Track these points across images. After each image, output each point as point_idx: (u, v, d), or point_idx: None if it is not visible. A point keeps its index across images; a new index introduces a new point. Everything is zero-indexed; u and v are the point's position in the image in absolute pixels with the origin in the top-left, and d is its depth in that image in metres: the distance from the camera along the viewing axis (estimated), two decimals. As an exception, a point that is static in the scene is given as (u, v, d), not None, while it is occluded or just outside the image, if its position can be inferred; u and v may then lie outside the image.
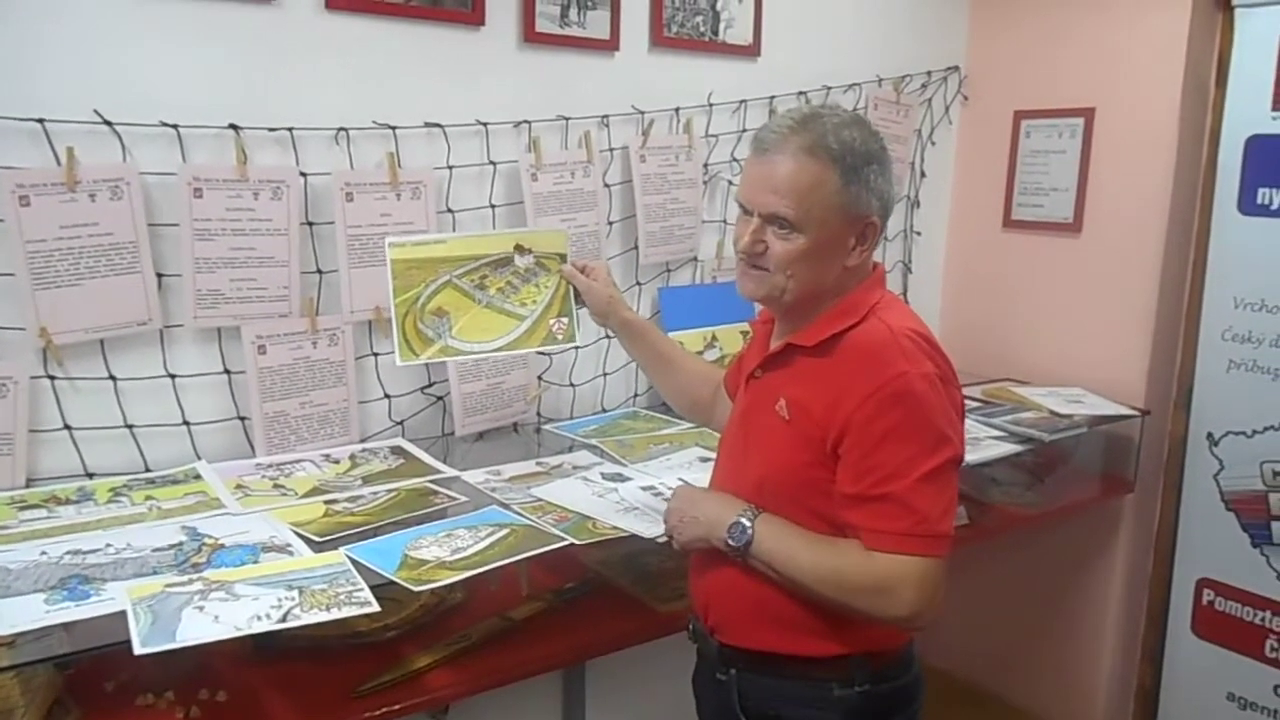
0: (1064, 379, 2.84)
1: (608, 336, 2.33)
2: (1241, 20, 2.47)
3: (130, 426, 1.83)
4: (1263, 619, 2.54)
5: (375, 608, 1.35)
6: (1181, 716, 2.74)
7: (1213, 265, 2.57)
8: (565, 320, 1.84)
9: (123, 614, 1.27)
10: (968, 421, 2.39)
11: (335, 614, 1.32)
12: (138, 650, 1.20)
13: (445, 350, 1.78)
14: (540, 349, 1.89)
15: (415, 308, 1.76)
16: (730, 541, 1.40)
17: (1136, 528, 2.82)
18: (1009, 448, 2.31)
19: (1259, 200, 2.46)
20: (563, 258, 1.87)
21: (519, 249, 1.83)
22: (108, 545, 1.49)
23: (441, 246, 1.80)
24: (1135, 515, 2.81)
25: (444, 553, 1.53)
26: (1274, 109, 2.42)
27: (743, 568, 1.42)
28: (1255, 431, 2.51)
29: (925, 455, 1.29)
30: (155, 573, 1.41)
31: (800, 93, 2.65)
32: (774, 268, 1.38)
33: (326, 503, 1.74)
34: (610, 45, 2.31)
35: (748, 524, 1.39)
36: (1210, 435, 2.60)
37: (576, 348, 2.33)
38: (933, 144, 3.06)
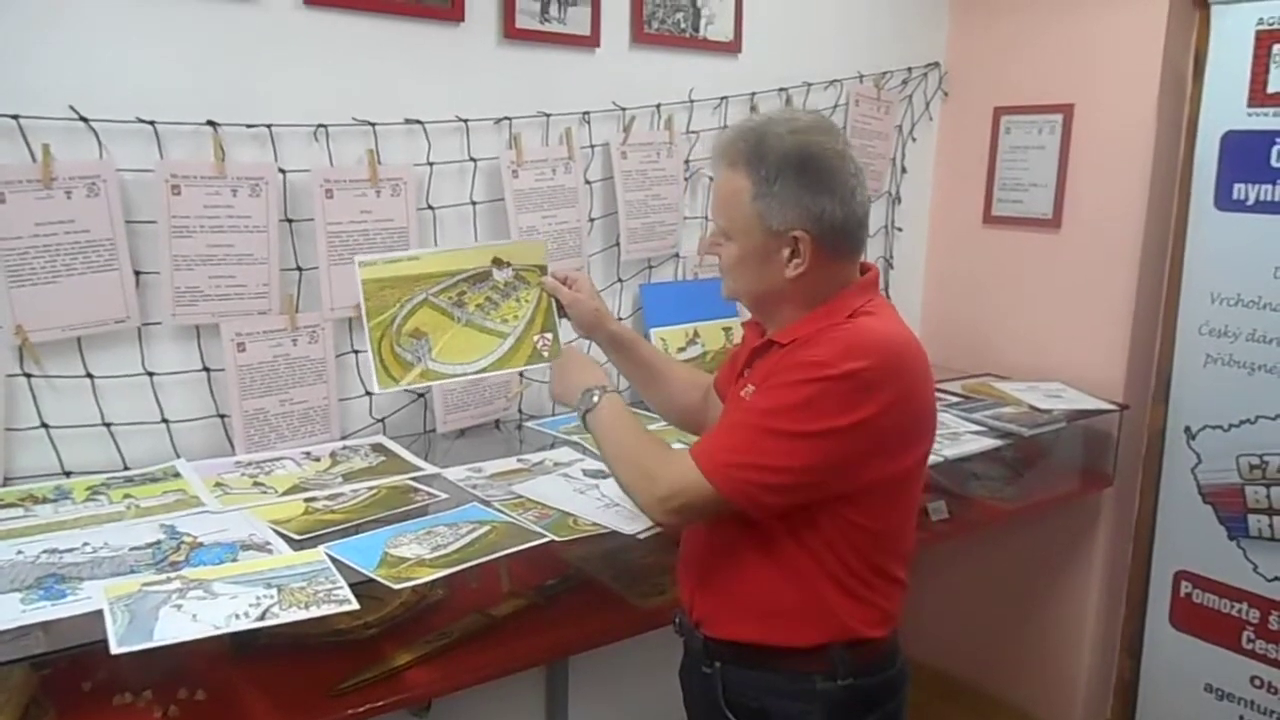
0: (1043, 374, 2.86)
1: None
2: (1218, 17, 2.49)
3: (108, 425, 1.82)
4: (1239, 611, 2.56)
5: (354, 605, 1.34)
6: (1160, 707, 2.76)
7: (1190, 260, 2.59)
8: (550, 336, 1.77)
9: (100, 613, 1.26)
10: (948, 415, 2.44)
11: (314, 612, 1.31)
12: (114, 649, 1.19)
13: (426, 374, 1.70)
14: (526, 367, 1.80)
15: (391, 330, 1.68)
16: (579, 405, 1.52)
17: (1115, 521, 2.84)
18: (989, 442, 2.33)
19: (1235, 196, 2.48)
20: (542, 269, 1.80)
21: (497, 262, 1.77)
22: (85, 544, 1.48)
23: (415, 263, 1.72)
24: (1114, 509, 2.83)
25: (424, 550, 1.53)
26: (1250, 105, 2.43)
27: (728, 560, 1.43)
28: (1232, 425, 2.53)
29: (779, 415, 1.31)
30: (133, 571, 1.40)
31: (781, 89, 2.66)
32: (722, 272, 1.47)
33: (306, 500, 1.74)
34: (591, 41, 2.30)
35: (598, 395, 1.50)
36: (1188, 429, 2.62)
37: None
38: (913, 140, 3.07)
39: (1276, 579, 2.49)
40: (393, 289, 1.70)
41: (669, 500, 1.35)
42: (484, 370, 1.75)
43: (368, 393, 2.12)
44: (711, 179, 2.52)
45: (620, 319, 2.47)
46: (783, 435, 1.30)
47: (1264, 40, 2.40)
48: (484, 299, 1.75)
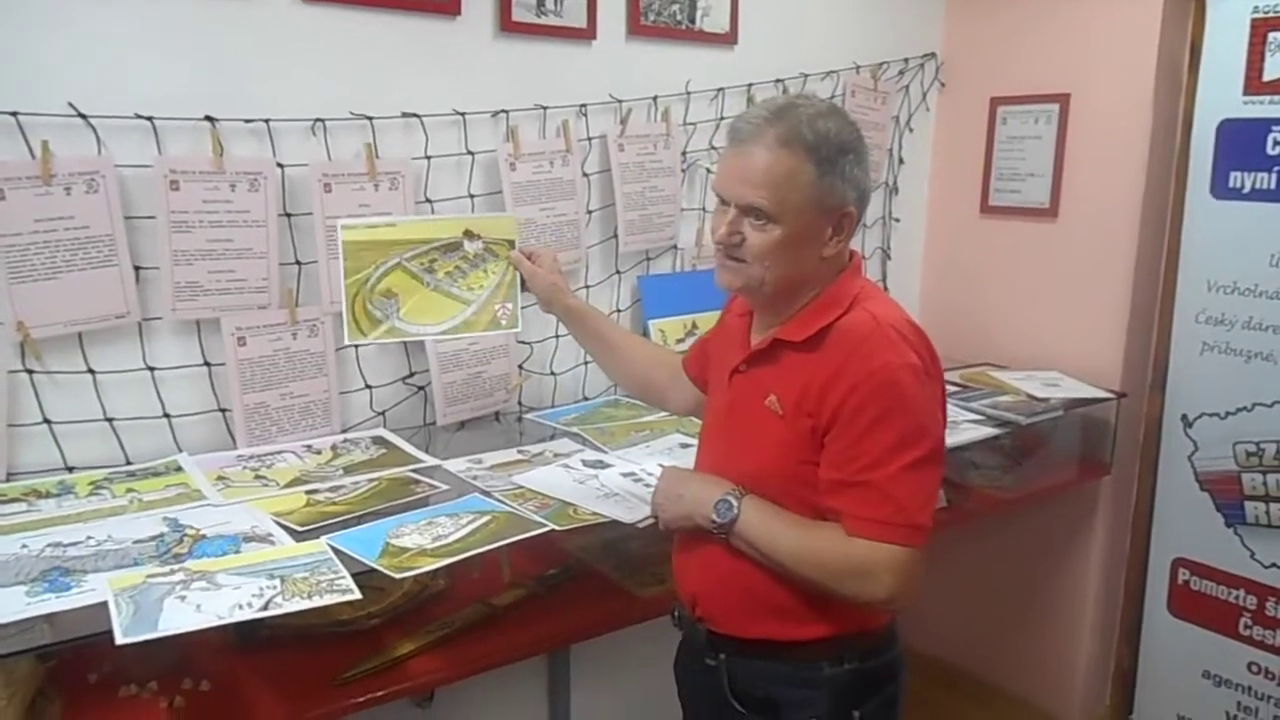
0: (1041, 363, 2.87)
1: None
2: (1213, 6, 2.49)
3: (110, 420, 1.83)
4: (1237, 597, 2.57)
5: (357, 595, 1.35)
6: (1158, 694, 2.78)
7: (1186, 249, 2.59)
8: (510, 306, 1.86)
9: (104, 605, 1.27)
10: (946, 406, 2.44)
11: (317, 601, 1.32)
12: (119, 640, 1.20)
13: (392, 331, 1.80)
14: (484, 333, 1.92)
15: (365, 289, 1.78)
16: (715, 518, 1.41)
17: (1113, 509, 2.85)
18: (987, 431, 2.34)
19: (1231, 184, 2.48)
20: (511, 244, 1.88)
21: (468, 234, 1.85)
22: (89, 538, 1.49)
23: (392, 229, 1.81)
24: (1112, 497, 2.84)
25: (425, 540, 1.55)
26: (1245, 94, 2.44)
27: (731, 558, 1.43)
28: (1228, 413, 2.54)
29: (907, 446, 1.32)
30: (136, 564, 1.41)
31: (778, 80, 2.67)
32: (751, 259, 1.38)
33: (308, 493, 1.75)
34: (587, 34, 2.31)
35: (734, 501, 1.41)
36: (1185, 417, 2.63)
37: (557, 336, 2.35)
38: (910, 130, 3.07)
39: (1273, 565, 2.50)
40: (370, 251, 1.78)
41: (895, 586, 1.32)
42: (445, 332, 1.85)
43: (367, 386, 2.13)
44: (710, 169, 2.54)
45: (618, 311, 2.49)
46: (917, 465, 1.32)
47: (1259, 28, 2.40)
48: (453, 267, 1.83)
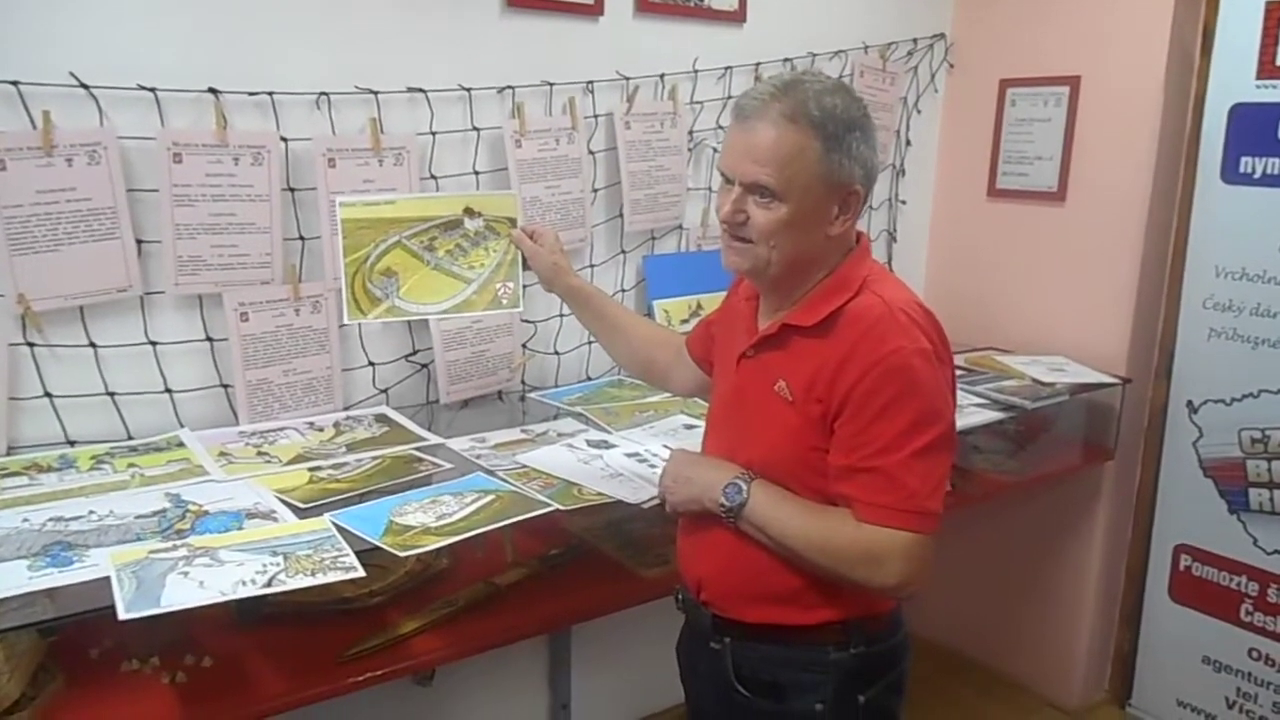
0: (1046, 347, 2.86)
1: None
2: (1228, -11, 2.47)
3: (112, 394, 1.81)
4: (1238, 584, 2.57)
5: (360, 573, 1.35)
6: (1158, 680, 2.78)
7: (1195, 234, 2.58)
8: (511, 285, 1.85)
9: (107, 580, 1.26)
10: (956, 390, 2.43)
11: (320, 579, 1.32)
12: (122, 615, 1.20)
13: (392, 310, 1.80)
14: (485, 312, 1.92)
15: (365, 267, 1.77)
16: (724, 502, 1.40)
17: (1116, 494, 2.85)
18: (992, 415, 2.33)
19: (1242, 169, 2.46)
20: (512, 222, 1.86)
21: (469, 212, 1.84)
22: (91, 512, 1.48)
23: (391, 207, 1.81)
24: (1115, 482, 2.83)
25: (429, 519, 1.54)
26: (1258, 78, 2.41)
27: (738, 543, 1.42)
28: (1234, 399, 2.53)
29: (918, 432, 1.30)
30: (139, 539, 1.41)
31: (786, 59, 2.64)
32: (756, 238, 1.36)
33: (311, 470, 1.74)
34: (595, 10, 2.28)
35: (744, 485, 1.39)
36: (1190, 403, 2.62)
37: (561, 316, 2.33)
38: (918, 112, 3.05)
39: (1276, 552, 2.50)
40: (369, 229, 1.78)
41: (905, 573, 1.31)
42: (445, 311, 1.84)
43: (370, 363, 2.12)
44: (716, 149, 2.52)
45: (623, 291, 2.47)
46: (928, 451, 1.31)
47: (1274, 11, 2.37)
48: (454, 245, 1.83)
